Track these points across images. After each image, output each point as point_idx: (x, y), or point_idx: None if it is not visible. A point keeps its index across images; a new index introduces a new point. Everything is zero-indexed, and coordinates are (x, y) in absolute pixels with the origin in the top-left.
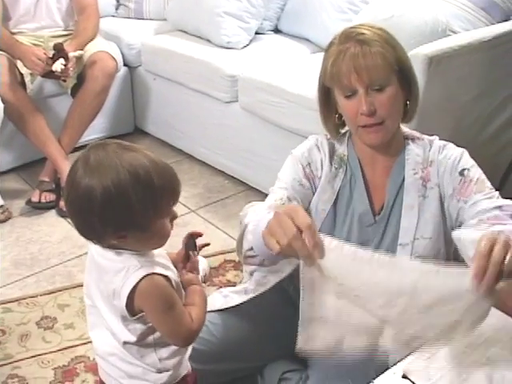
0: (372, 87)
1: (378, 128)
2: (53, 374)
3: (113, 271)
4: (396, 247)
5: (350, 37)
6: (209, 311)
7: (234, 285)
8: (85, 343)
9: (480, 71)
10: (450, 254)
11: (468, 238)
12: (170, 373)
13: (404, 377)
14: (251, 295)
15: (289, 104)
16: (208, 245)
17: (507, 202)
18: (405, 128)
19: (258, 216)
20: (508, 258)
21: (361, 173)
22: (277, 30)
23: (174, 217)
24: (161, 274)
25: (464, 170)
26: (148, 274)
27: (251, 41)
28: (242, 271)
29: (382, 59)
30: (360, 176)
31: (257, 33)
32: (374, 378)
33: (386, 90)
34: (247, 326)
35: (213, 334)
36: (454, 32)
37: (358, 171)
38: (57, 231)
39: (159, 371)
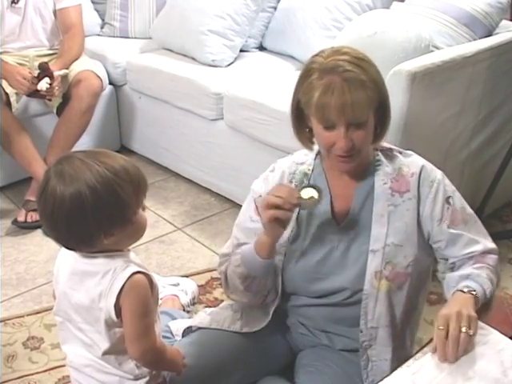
0: (352, 124)
1: (352, 158)
2: None
3: (101, 273)
4: (367, 253)
5: (335, 70)
6: (197, 329)
7: (221, 302)
8: None
9: (463, 87)
10: (425, 266)
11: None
12: (146, 379)
13: None
14: (246, 328)
15: (274, 121)
16: None
17: (488, 245)
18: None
19: (237, 255)
20: (464, 326)
21: (326, 185)
22: (261, 48)
23: (143, 207)
24: (144, 273)
25: (449, 197)
26: (135, 272)
27: (236, 58)
28: None
29: (367, 99)
30: (324, 188)
31: (241, 50)
32: None
33: (365, 126)
34: (238, 341)
35: (204, 351)
36: (437, 48)
37: (322, 183)
38: (43, 251)
39: (136, 378)
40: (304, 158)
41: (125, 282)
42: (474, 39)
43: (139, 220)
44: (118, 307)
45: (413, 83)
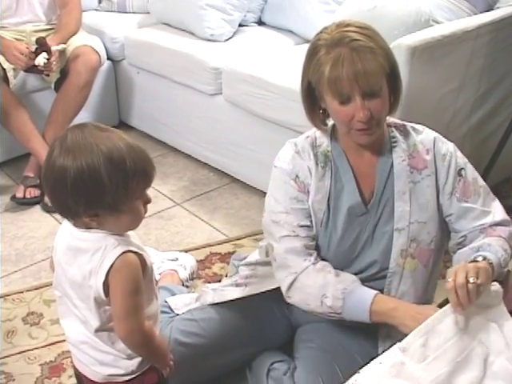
0: (368, 93)
1: (372, 130)
2: (40, 369)
3: (92, 250)
4: (391, 232)
5: (342, 42)
6: (199, 306)
7: (220, 277)
8: None
9: (463, 61)
10: (444, 241)
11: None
12: (140, 359)
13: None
14: (250, 291)
15: (273, 96)
16: None
17: (500, 215)
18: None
19: (341, 283)
20: (471, 276)
21: (348, 165)
22: (260, 22)
23: (147, 200)
24: (136, 252)
25: (461, 169)
26: (125, 252)
27: (235, 33)
28: (228, 264)
29: (378, 66)
30: (347, 169)
31: (240, 25)
32: (360, 364)
33: (380, 94)
34: (237, 318)
35: (204, 328)
36: (437, 22)
37: (344, 164)
38: (42, 227)
39: (130, 357)
40: (320, 140)
41: (114, 261)
42: (475, 13)
43: (133, 211)
44: (106, 286)
45: (413, 57)
